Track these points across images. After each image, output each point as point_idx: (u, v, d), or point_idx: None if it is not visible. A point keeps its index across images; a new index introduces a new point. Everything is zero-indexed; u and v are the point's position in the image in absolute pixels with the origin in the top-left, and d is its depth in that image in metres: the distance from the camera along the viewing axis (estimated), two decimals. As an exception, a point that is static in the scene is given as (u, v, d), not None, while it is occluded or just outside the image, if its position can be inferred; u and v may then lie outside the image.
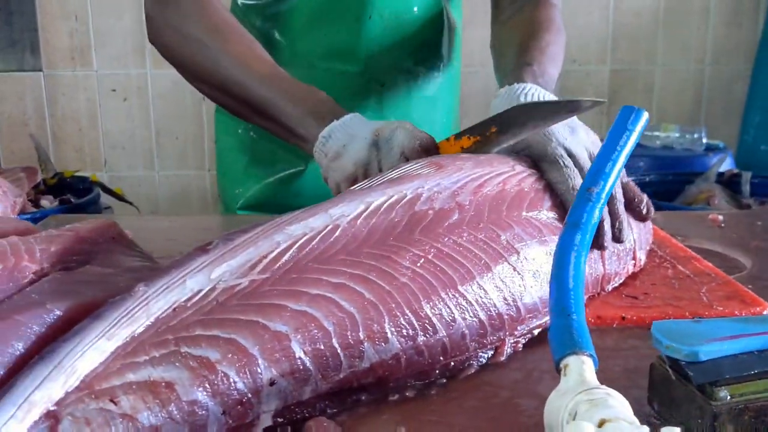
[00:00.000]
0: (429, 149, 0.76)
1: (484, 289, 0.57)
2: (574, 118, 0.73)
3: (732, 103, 2.57)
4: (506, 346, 0.58)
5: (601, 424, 0.35)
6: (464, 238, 0.58)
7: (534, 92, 0.78)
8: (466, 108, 2.48)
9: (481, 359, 0.57)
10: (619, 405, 0.36)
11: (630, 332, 0.64)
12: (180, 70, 0.95)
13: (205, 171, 2.50)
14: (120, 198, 1.97)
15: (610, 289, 0.70)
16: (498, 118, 0.73)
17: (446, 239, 0.57)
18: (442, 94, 1.21)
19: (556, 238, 0.62)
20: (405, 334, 0.52)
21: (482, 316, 0.56)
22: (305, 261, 0.52)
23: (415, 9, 1.12)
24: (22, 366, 0.42)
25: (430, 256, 0.56)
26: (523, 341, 0.60)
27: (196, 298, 0.47)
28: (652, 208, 0.73)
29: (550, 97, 0.78)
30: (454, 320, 0.54)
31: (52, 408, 0.39)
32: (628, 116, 0.52)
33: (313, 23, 1.09)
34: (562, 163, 0.68)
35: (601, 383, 0.53)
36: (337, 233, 0.54)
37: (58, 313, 0.46)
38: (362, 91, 1.13)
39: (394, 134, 0.76)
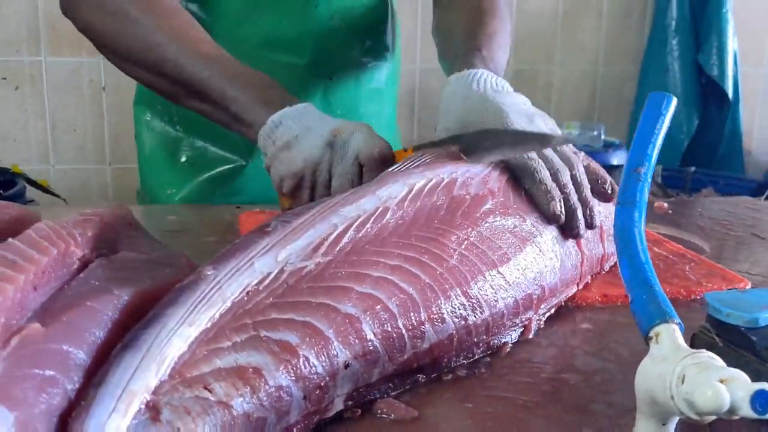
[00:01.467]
0: (386, 159, 0.72)
1: (517, 270, 0.59)
2: (530, 105, 0.72)
3: (622, 102, 2.75)
4: (533, 324, 0.60)
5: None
6: (498, 222, 0.60)
7: (487, 78, 0.75)
8: (425, 106, 2.52)
9: (513, 337, 0.59)
10: (725, 365, 0.39)
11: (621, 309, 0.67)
12: (102, 47, 0.88)
13: (106, 165, 2.37)
14: (46, 190, 1.83)
15: (607, 269, 0.73)
16: (463, 138, 0.69)
17: (483, 223, 0.59)
18: (388, 86, 1.19)
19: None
20: (458, 314, 0.53)
21: (517, 295, 0.58)
22: (362, 243, 0.52)
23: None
24: (105, 352, 0.40)
25: (471, 239, 0.57)
26: (544, 318, 0.63)
27: (267, 281, 0.46)
28: (616, 187, 0.70)
29: (503, 83, 0.75)
30: (496, 300, 0.56)
31: (149, 398, 0.37)
32: (660, 102, 0.55)
33: (253, 10, 1.03)
34: (526, 156, 0.65)
35: (624, 358, 0.57)
36: (388, 215, 0.54)
37: (126, 298, 0.43)
38: (308, 85, 1.07)
39: (352, 137, 0.72)
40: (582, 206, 0.66)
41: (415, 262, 0.52)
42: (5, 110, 2.28)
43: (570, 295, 0.67)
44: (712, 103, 2.73)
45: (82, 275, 0.45)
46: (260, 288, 0.45)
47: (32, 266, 0.40)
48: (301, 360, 0.43)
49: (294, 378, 0.43)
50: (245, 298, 0.45)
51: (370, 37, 1.12)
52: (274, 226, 0.50)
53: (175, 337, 0.40)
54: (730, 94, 2.69)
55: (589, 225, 0.67)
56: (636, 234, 0.48)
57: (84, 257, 0.47)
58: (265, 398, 0.41)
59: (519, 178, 0.65)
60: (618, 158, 2.22)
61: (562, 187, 0.65)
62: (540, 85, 2.63)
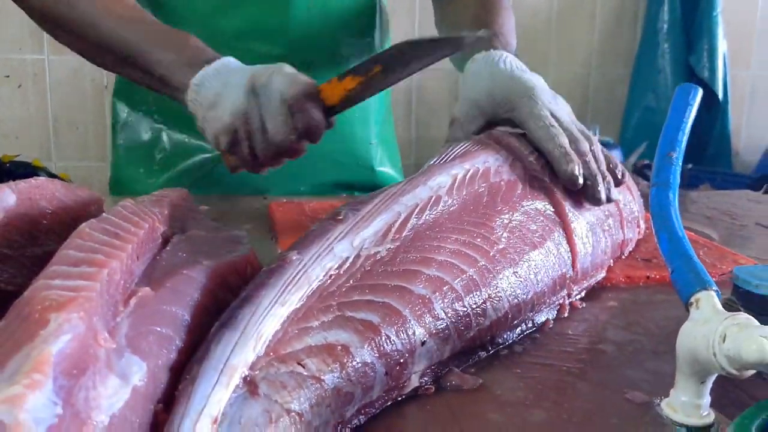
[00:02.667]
0: (311, 94, 0.72)
1: (554, 252, 0.63)
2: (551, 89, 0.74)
3: (615, 103, 2.81)
4: (567, 303, 0.65)
5: (760, 341, 0.41)
6: (532, 206, 0.64)
7: (512, 60, 0.76)
8: (421, 104, 2.56)
9: (552, 314, 0.63)
10: (761, 325, 0.43)
11: (655, 288, 0.72)
12: (38, 18, 0.89)
13: (108, 163, 2.38)
14: (69, 185, 1.84)
15: (626, 254, 0.78)
16: (381, 57, 0.71)
17: (520, 207, 0.63)
18: None
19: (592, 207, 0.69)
20: (510, 292, 0.56)
21: (554, 275, 0.62)
22: (423, 229, 0.55)
23: None
24: (200, 314, 0.43)
25: (514, 223, 0.61)
26: (578, 298, 0.67)
27: (346, 265, 0.49)
28: (626, 172, 0.75)
29: (525, 67, 0.77)
30: (538, 280, 0.60)
31: (248, 373, 0.39)
32: (687, 93, 0.59)
33: (228, 2, 1.03)
34: (547, 123, 0.68)
35: (652, 331, 0.61)
36: (440, 203, 0.58)
37: (212, 268, 0.47)
38: None
39: (272, 80, 0.72)
40: (602, 177, 0.68)
41: (471, 245, 0.56)
42: (8, 107, 2.29)
43: (600, 279, 0.71)
44: (702, 104, 2.79)
45: (168, 248, 0.48)
46: (341, 272, 0.48)
47: (133, 237, 0.44)
48: (383, 338, 0.46)
49: (377, 355, 0.45)
50: (328, 281, 0.48)
51: (352, 32, 1.12)
52: (345, 215, 0.54)
53: (269, 317, 0.43)
54: (720, 96, 2.76)
55: (608, 198, 0.68)
56: (672, 212, 0.53)
57: (164, 233, 0.51)
58: (352, 373, 0.43)
59: (539, 143, 0.67)
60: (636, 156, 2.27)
61: (581, 154, 0.67)
62: (534, 86, 2.68)
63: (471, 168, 0.63)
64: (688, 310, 0.48)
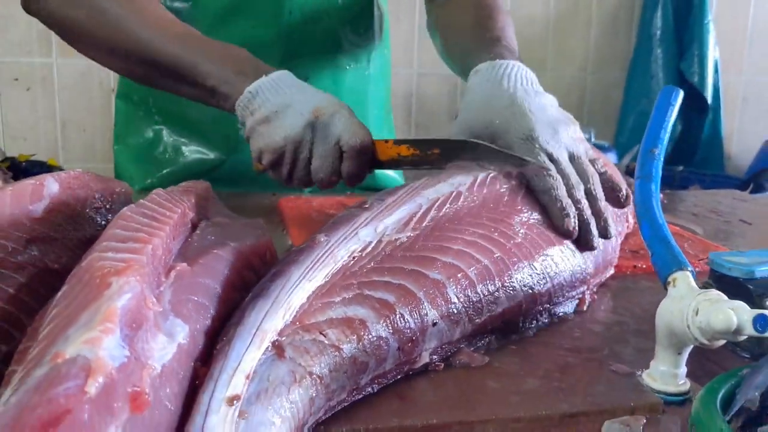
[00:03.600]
0: (366, 149, 0.73)
1: (572, 248, 0.66)
2: (557, 108, 0.73)
3: (609, 108, 2.87)
4: (586, 297, 0.68)
5: (728, 312, 0.46)
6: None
7: (517, 73, 0.74)
8: (421, 110, 2.61)
9: (572, 308, 0.67)
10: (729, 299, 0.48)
11: (641, 277, 0.77)
12: (72, 39, 0.89)
13: (113, 165, 2.43)
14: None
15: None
16: (442, 142, 0.71)
17: (538, 207, 0.66)
18: (374, 88, 1.19)
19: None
20: (525, 283, 0.60)
21: (573, 270, 0.65)
22: (443, 221, 0.59)
23: (339, 0, 1.08)
24: (231, 290, 0.48)
25: (533, 221, 0.65)
26: (593, 292, 0.70)
27: (369, 248, 0.54)
28: (630, 197, 0.71)
29: (532, 77, 0.75)
30: (555, 274, 0.63)
31: (276, 338, 0.44)
32: (669, 94, 0.65)
33: (225, 18, 1.04)
34: (544, 172, 0.66)
35: (636, 313, 0.66)
36: (461, 199, 0.62)
37: (238, 249, 0.52)
38: None
39: (333, 120, 0.73)
40: (596, 218, 0.67)
41: (488, 238, 0.60)
42: (17, 110, 2.34)
43: (609, 275, 0.74)
44: (693, 108, 2.86)
45: (198, 232, 0.54)
46: (363, 254, 0.53)
47: (169, 220, 0.49)
48: (397, 316, 0.50)
49: (391, 331, 0.49)
50: (351, 261, 0.52)
51: (351, 40, 1.13)
52: (371, 204, 0.59)
53: (297, 290, 0.47)
54: (710, 101, 2.82)
55: (603, 235, 0.68)
56: (653, 202, 0.58)
57: (193, 219, 0.56)
58: (368, 345, 0.48)
59: (535, 193, 0.66)
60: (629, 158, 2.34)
61: (575, 203, 0.66)
62: (531, 90, 2.74)
63: (491, 172, 0.67)
64: (666, 289, 0.53)
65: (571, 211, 0.65)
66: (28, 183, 0.54)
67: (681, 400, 0.51)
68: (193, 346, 0.41)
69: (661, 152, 0.61)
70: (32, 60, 2.32)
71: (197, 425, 0.36)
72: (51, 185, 0.55)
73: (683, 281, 0.52)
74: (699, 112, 2.86)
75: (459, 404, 0.49)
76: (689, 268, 0.52)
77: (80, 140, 2.41)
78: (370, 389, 0.49)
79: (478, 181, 0.65)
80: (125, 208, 0.49)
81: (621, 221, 0.82)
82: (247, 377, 0.40)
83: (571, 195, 0.66)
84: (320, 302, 0.48)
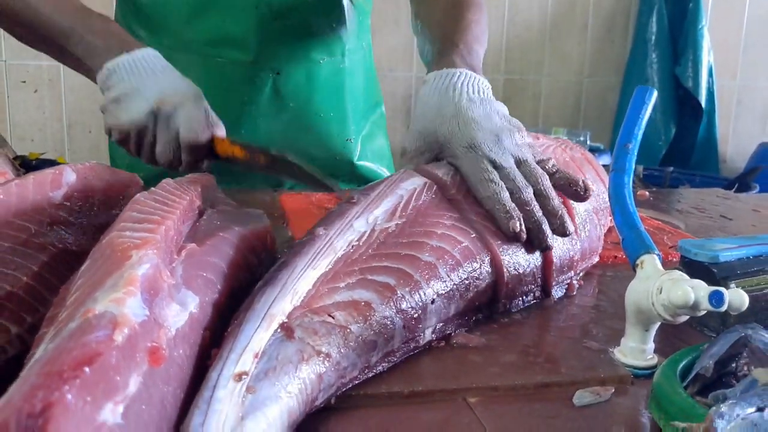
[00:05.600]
0: (199, 145, 0.77)
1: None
2: (504, 116, 0.73)
3: (605, 111, 2.92)
4: (575, 282, 0.73)
5: (687, 290, 0.51)
6: None
7: (464, 81, 0.74)
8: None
9: (560, 291, 0.72)
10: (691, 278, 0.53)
11: (621, 267, 0.82)
12: None
13: (118, 165, 2.49)
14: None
15: (599, 239, 0.87)
16: (270, 153, 0.77)
17: None
18: (349, 81, 1.21)
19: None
20: (509, 261, 0.64)
21: (560, 255, 0.69)
22: (423, 208, 0.64)
23: None
24: (235, 269, 0.53)
25: None
26: (579, 278, 0.75)
27: (364, 237, 0.58)
28: (589, 188, 0.71)
29: (480, 86, 0.75)
30: (537, 256, 0.67)
31: (285, 320, 0.47)
32: (644, 94, 0.69)
33: (197, 12, 1.07)
34: (486, 178, 0.66)
35: (613, 299, 0.71)
36: (434, 188, 0.67)
37: (242, 233, 0.57)
38: (255, 80, 1.10)
39: (176, 114, 0.77)
40: (551, 217, 0.67)
41: (466, 222, 0.65)
42: (24, 112, 2.40)
43: (594, 263, 0.79)
44: (687, 112, 2.91)
45: (205, 218, 0.58)
46: (360, 243, 0.57)
47: (179, 205, 0.54)
48: (399, 296, 0.54)
49: (395, 310, 0.53)
50: (351, 250, 0.56)
51: (322, 34, 1.15)
52: (357, 198, 0.63)
53: (303, 278, 0.51)
54: (704, 105, 2.87)
55: (561, 233, 0.68)
56: (626, 192, 0.62)
57: (199, 207, 0.61)
58: (374, 325, 0.51)
59: (479, 200, 0.66)
60: (603, 162, 2.38)
61: (524, 205, 0.66)
62: (529, 93, 2.80)
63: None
64: (634, 270, 0.57)
65: (515, 213, 0.65)
66: (49, 172, 0.59)
67: (649, 374, 0.56)
68: (202, 315, 0.46)
69: (634, 147, 0.66)
70: (39, 63, 2.37)
71: (205, 398, 0.39)
72: (69, 175, 0.60)
73: (650, 263, 0.56)
74: (694, 116, 2.91)
75: (443, 374, 0.54)
76: (656, 252, 0.57)
77: (86, 141, 2.46)
78: (380, 367, 0.52)
79: (452, 172, 0.70)
80: (138, 194, 0.54)
81: (605, 214, 0.87)
82: (256, 356, 0.43)
83: (517, 199, 0.66)
84: (326, 287, 0.52)
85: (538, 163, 0.71)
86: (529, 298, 0.68)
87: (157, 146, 0.80)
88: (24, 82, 2.37)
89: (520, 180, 0.68)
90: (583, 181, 0.71)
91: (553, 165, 0.71)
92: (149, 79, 0.78)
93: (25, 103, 2.39)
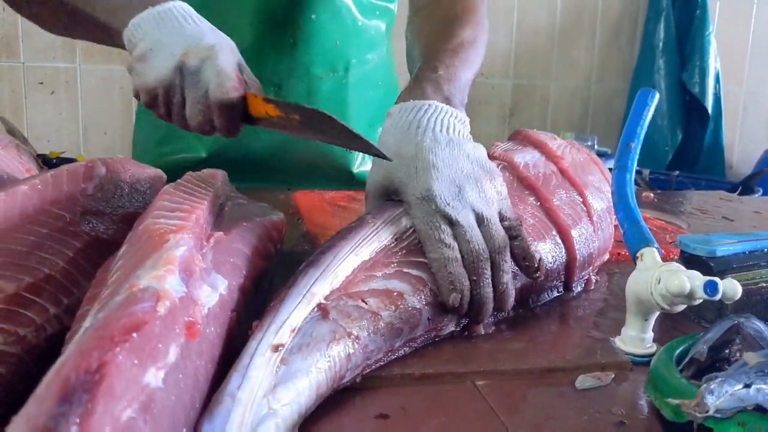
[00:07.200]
0: (231, 104, 0.67)
1: (586, 228, 0.73)
2: (474, 161, 0.64)
3: (613, 116, 2.95)
4: (593, 278, 0.76)
5: (684, 280, 0.54)
6: (566, 195, 0.75)
7: (431, 117, 0.65)
8: None
9: (581, 287, 0.74)
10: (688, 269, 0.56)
11: (624, 263, 0.85)
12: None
13: (132, 166, 2.54)
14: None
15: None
16: (305, 111, 0.65)
17: (557, 195, 0.73)
18: (353, 97, 1.19)
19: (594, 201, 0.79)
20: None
21: (584, 252, 0.72)
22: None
23: (313, 16, 1.10)
24: (257, 256, 0.56)
25: (544, 205, 0.72)
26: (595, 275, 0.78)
27: (408, 233, 0.61)
28: (542, 269, 0.64)
29: (450, 123, 0.65)
30: (561, 253, 0.70)
31: (322, 301, 0.50)
32: (646, 95, 0.72)
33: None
34: (437, 238, 0.59)
35: (616, 293, 0.74)
36: None
37: (264, 224, 0.60)
38: None
39: (203, 69, 0.68)
40: (495, 290, 0.60)
41: None
42: (41, 113, 2.44)
43: (605, 259, 0.81)
44: (694, 118, 2.93)
45: (227, 209, 0.62)
46: (403, 237, 0.60)
47: (207, 196, 0.57)
48: (429, 291, 0.58)
49: (424, 303, 0.57)
50: (393, 242, 0.59)
51: (320, 50, 1.13)
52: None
53: (345, 262, 0.55)
54: (711, 111, 2.90)
55: (500, 309, 0.62)
56: (627, 189, 0.66)
57: (221, 199, 0.64)
58: (403, 314, 0.54)
59: (428, 259, 0.59)
60: (610, 166, 2.41)
61: (472, 273, 0.59)
62: (537, 98, 2.84)
63: (505, 161, 0.75)
64: (635, 263, 0.61)
65: (459, 285, 0.58)
66: (81, 165, 0.63)
67: (647, 361, 0.59)
68: (230, 298, 0.49)
69: (636, 146, 0.69)
70: (56, 65, 2.42)
71: (243, 364, 0.42)
72: (99, 168, 0.63)
73: (649, 256, 0.59)
74: (700, 122, 2.93)
75: (452, 359, 0.57)
76: (655, 245, 0.60)
77: (101, 142, 2.51)
78: (402, 352, 0.56)
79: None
80: (167, 186, 0.57)
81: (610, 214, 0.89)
82: (293, 331, 0.47)
83: (469, 264, 0.59)
84: (364, 275, 0.55)
85: (502, 221, 0.63)
86: (553, 293, 0.71)
87: (186, 107, 0.70)
88: (41, 83, 2.42)
89: (477, 243, 0.59)
90: (540, 261, 0.63)
91: (518, 227, 0.63)
92: (175, 31, 0.70)
93: (42, 105, 2.44)
